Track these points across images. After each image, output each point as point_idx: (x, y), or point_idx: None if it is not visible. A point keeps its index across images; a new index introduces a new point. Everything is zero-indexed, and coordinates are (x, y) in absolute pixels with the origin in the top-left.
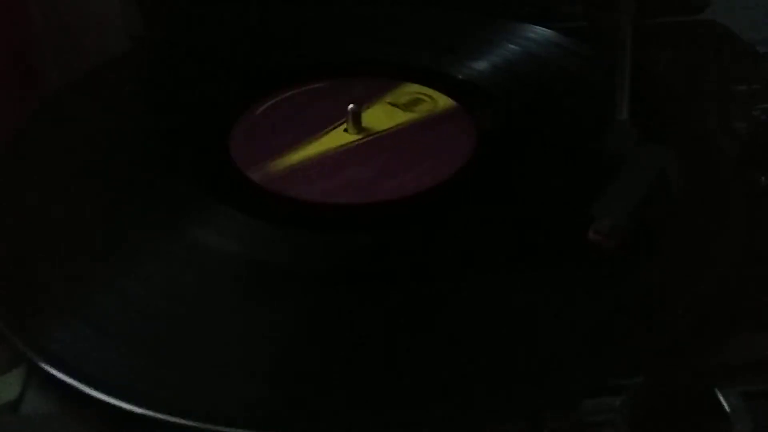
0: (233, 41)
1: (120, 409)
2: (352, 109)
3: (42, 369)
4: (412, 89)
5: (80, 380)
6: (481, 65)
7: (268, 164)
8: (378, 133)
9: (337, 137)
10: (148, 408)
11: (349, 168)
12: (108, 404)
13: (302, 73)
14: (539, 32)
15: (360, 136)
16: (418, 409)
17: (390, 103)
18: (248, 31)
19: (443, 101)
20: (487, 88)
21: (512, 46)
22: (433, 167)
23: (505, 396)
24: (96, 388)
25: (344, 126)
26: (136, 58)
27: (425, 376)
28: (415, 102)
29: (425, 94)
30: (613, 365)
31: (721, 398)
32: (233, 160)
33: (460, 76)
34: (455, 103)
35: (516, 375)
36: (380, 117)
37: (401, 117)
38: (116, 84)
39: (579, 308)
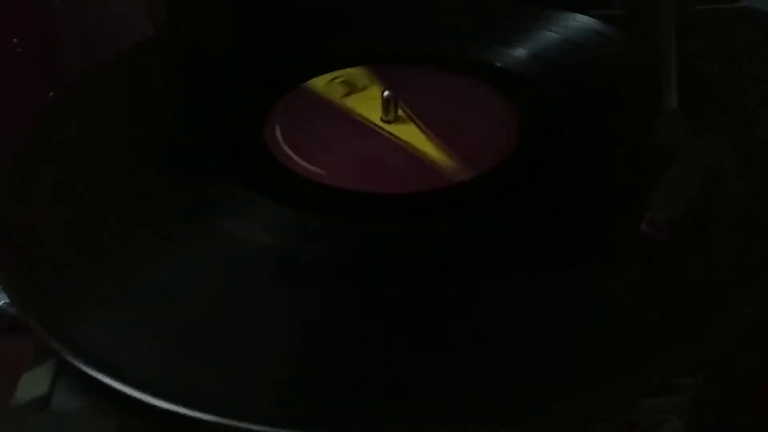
0: (263, 26)
1: (149, 404)
2: (386, 95)
3: (71, 364)
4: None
5: (110, 375)
6: (521, 53)
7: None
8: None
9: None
10: (178, 404)
11: (383, 155)
12: (138, 399)
13: (337, 61)
14: (579, 20)
15: (392, 127)
16: (460, 412)
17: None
18: (280, 16)
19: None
20: (527, 76)
21: (552, 34)
22: (474, 157)
23: (554, 395)
24: (126, 384)
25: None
26: (162, 44)
27: (468, 377)
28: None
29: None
30: (669, 364)
31: None
32: (267, 148)
33: (499, 64)
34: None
35: (567, 374)
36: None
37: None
38: (141, 70)
39: (633, 305)
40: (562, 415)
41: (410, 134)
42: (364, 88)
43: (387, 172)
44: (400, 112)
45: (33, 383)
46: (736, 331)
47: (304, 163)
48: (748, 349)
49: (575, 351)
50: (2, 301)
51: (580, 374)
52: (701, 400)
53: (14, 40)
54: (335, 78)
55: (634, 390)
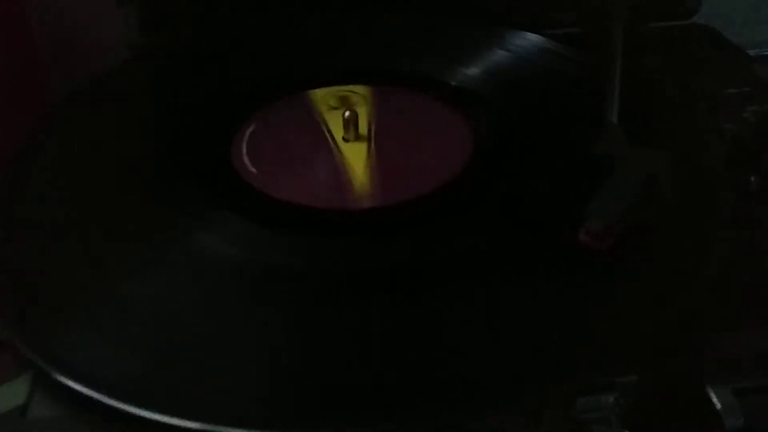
0: (233, 48)
1: (124, 411)
2: (347, 116)
3: (48, 374)
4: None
5: (85, 384)
6: (474, 71)
7: (269, 168)
8: (370, 136)
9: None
10: (151, 410)
11: (352, 173)
12: (113, 407)
13: (299, 81)
14: (530, 38)
15: (358, 142)
16: (416, 408)
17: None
18: (248, 38)
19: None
20: (481, 93)
21: (504, 52)
22: (430, 173)
23: (502, 394)
24: (100, 392)
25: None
26: (137, 66)
27: (423, 377)
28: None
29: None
30: (607, 363)
31: (712, 395)
32: (235, 166)
33: (454, 83)
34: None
35: (513, 374)
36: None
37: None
38: (117, 92)
39: (573, 308)
40: (505, 409)
41: (355, 154)
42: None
43: (353, 188)
44: (362, 131)
45: (11, 394)
46: (670, 333)
47: (268, 183)
48: (682, 348)
49: (517, 350)
50: None
51: (521, 372)
52: (637, 398)
53: None
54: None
55: (572, 387)
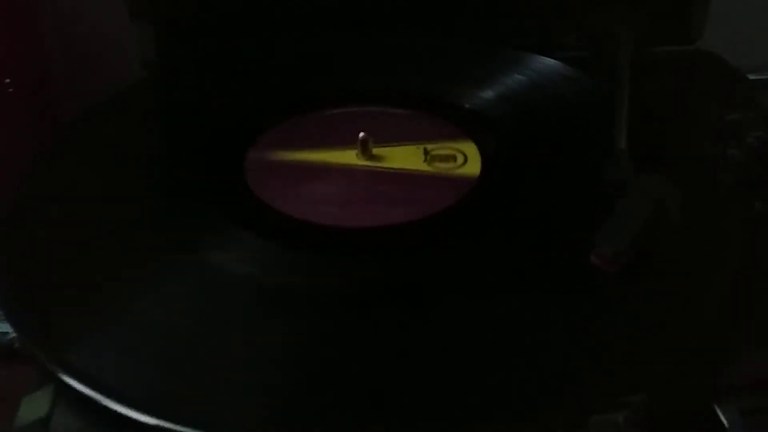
0: (247, 66)
1: (146, 424)
2: (362, 137)
3: (69, 386)
4: (454, 145)
5: (106, 396)
6: (488, 95)
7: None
8: (387, 166)
9: (346, 158)
10: (173, 422)
11: (359, 192)
12: (134, 420)
13: (316, 99)
14: (544, 62)
15: (369, 163)
16: (426, 428)
17: (424, 150)
18: (262, 56)
19: (471, 168)
20: (492, 117)
21: (518, 76)
22: (439, 194)
23: (511, 413)
24: (122, 404)
25: (355, 152)
26: (152, 84)
27: (434, 396)
28: (445, 158)
29: (462, 152)
30: (617, 382)
31: (720, 414)
32: (249, 184)
33: (467, 106)
34: (479, 173)
35: (522, 393)
36: (401, 155)
37: (418, 165)
38: (133, 110)
39: (583, 328)
40: (514, 428)
41: (379, 172)
42: None
43: (359, 207)
44: (384, 157)
45: (34, 406)
46: (679, 352)
47: (288, 203)
48: (691, 368)
49: (526, 370)
50: None
51: (530, 391)
52: (646, 416)
53: (7, 80)
54: None
55: (582, 406)
